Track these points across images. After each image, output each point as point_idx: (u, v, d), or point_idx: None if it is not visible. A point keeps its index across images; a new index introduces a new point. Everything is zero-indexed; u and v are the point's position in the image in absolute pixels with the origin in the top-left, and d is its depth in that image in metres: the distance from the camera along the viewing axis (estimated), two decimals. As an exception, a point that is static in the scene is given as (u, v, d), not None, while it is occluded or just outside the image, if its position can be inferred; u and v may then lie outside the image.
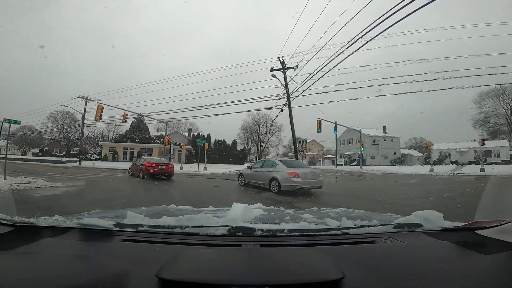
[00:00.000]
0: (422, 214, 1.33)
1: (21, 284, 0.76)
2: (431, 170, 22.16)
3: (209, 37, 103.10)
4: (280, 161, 9.76)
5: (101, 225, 1.21)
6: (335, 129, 31.78)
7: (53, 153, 47.26)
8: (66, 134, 48.89)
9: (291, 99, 20.20)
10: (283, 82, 19.67)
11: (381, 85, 19.50)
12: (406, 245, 1.09)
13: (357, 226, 1.29)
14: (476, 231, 1.14)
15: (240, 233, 1.14)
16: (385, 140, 48.66)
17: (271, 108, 20.44)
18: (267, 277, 0.78)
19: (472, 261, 0.96)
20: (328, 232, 1.22)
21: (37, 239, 1.08)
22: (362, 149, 33.18)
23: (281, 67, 20.13)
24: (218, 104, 20.05)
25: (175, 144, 27.50)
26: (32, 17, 76.93)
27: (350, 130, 43.68)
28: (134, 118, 49.04)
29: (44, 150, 48.39)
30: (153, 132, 47.10)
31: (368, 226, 1.29)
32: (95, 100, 25.40)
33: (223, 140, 48.88)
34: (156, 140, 40.37)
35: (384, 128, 50.79)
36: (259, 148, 56.22)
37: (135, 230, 1.19)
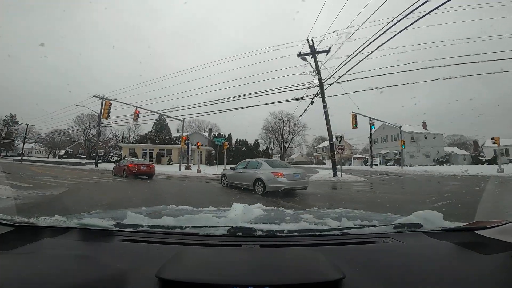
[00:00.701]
0: (422, 214, 1.33)
1: (21, 284, 0.76)
2: (500, 170, 17.72)
3: (228, 31, 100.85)
4: (265, 161, 9.53)
5: (101, 225, 1.21)
6: (372, 124, 27.78)
7: (77, 155, 47.84)
8: (87, 135, 49.50)
9: (324, 87, 16.87)
10: (314, 68, 16.47)
11: (427, 68, 15.54)
12: (406, 245, 1.09)
13: (357, 226, 1.28)
14: (476, 231, 1.14)
15: (240, 233, 1.14)
16: (426, 137, 43.23)
17: (300, 98, 17.31)
18: (267, 277, 0.78)
19: (472, 262, 0.96)
20: (328, 232, 1.21)
21: (37, 239, 1.08)
22: (403, 147, 28.99)
23: (310, 51, 16.95)
24: (241, 95, 17.29)
25: (193, 144, 25.21)
26: (66, 21, 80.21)
27: (385, 127, 39.17)
28: (156, 119, 48.37)
29: (69, 152, 49.17)
30: (175, 133, 45.98)
31: (368, 226, 1.29)
32: (111, 100, 23.91)
33: (245, 140, 46.23)
34: (176, 141, 38.89)
35: (424, 124, 45.06)
36: (282, 148, 53.18)
37: (135, 230, 1.19)
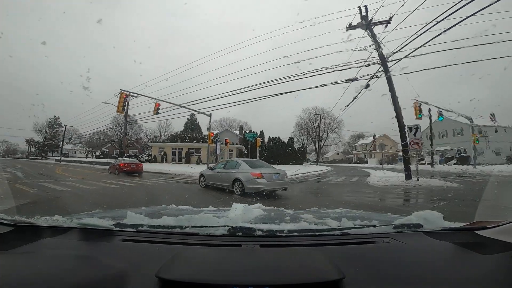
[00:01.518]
0: (422, 214, 1.33)
1: (21, 284, 0.76)
2: None
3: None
4: (244, 161, 9.19)
5: (101, 225, 1.21)
6: (440, 115, 22.27)
7: (112, 154, 48.49)
8: (118, 135, 50.16)
9: (388, 64, 12.89)
10: (372, 38, 12.60)
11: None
12: (406, 246, 1.09)
13: (357, 226, 1.28)
14: (476, 232, 1.14)
15: (240, 233, 1.14)
16: (496, 131, 35.56)
17: (354, 79, 13.42)
18: (267, 277, 0.78)
19: (472, 262, 0.96)
20: (328, 233, 1.21)
21: (37, 239, 1.08)
22: (477, 142, 23.42)
23: (363, 22, 13.06)
24: (283, 78, 13.67)
25: (222, 143, 22.43)
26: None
27: (444, 120, 32.87)
28: (188, 118, 47.09)
29: (105, 152, 50.18)
30: (205, 131, 44.41)
31: (368, 226, 1.29)
32: (137, 96, 22.13)
33: (278, 137, 42.67)
34: (206, 139, 36.85)
35: (493, 115, 37.28)
36: (317, 146, 49.01)
37: (135, 230, 1.19)
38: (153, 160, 35.99)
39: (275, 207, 2.07)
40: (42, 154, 54.85)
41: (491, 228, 1.09)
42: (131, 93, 17.80)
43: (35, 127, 55.91)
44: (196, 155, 36.09)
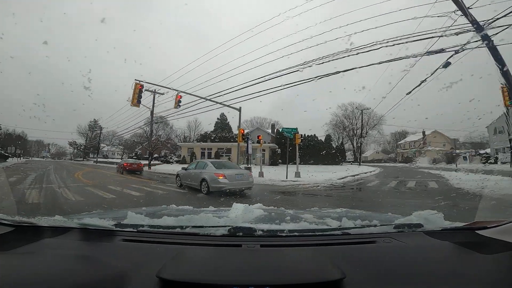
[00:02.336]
0: (423, 214, 1.34)
1: (21, 284, 0.76)
2: None
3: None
4: (211, 162, 9.75)
5: (102, 225, 1.22)
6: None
7: (145, 156, 48.78)
8: (147, 136, 50.53)
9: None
10: None
11: None
12: (406, 245, 1.09)
13: (357, 226, 1.29)
14: (476, 231, 1.14)
15: (241, 233, 1.14)
16: None
17: (439, 51, 9.52)
18: (268, 277, 0.78)
19: (473, 261, 0.96)
20: (328, 232, 1.21)
21: (37, 239, 1.09)
22: None
23: None
24: (324, 58, 10.45)
25: (253, 142, 19.55)
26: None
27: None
28: (218, 118, 45.61)
29: (138, 153, 50.76)
30: (236, 130, 42.44)
31: (369, 226, 1.30)
32: (164, 93, 20.40)
33: (314, 135, 38.67)
34: (236, 139, 34.60)
35: None
36: (355, 144, 44.39)
37: (135, 230, 1.20)
38: (182, 161, 34.63)
39: (276, 207, 2.08)
40: (84, 156, 57.39)
41: (492, 228, 1.09)
42: (148, 85, 15.79)
43: (78, 129, 58.71)
44: (226, 155, 33.80)
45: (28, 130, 48.71)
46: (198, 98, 16.52)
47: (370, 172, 21.87)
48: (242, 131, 17.91)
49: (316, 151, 35.53)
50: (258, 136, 19.66)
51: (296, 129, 17.87)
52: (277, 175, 15.60)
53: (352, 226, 1.28)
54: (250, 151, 18.08)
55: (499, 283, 0.83)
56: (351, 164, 39.55)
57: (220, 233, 1.14)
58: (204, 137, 38.62)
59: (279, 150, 32.40)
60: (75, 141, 60.76)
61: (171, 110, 17.68)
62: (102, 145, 57.53)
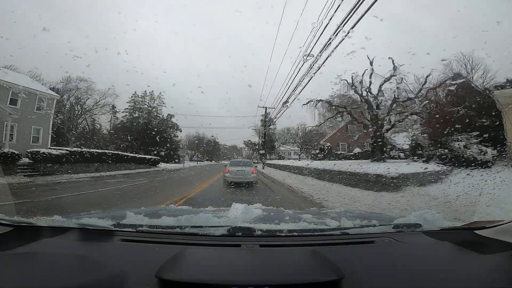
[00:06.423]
0: (422, 214, 1.35)
1: (20, 284, 0.76)
2: None
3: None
4: (231, 160, 14.21)
5: (101, 225, 1.22)
6: None
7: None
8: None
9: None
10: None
11: None
12: (405, 245, 1.09)
13: (356, 226, 1.29)
14: (475, 231, 1.14)
15: (240, 233, 1.14)
16: None
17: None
18: (267, 277, 0.78)
19: (472, 261, 0.96)
20: (327, 232, 1.22)
21: (36, 239, 1.09)
22: None
23: None
24: None
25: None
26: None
27: None
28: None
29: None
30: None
31: (368, 226, 1.30)
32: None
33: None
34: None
35: None
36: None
37: (134, 230, 1.20)
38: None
39: (275, 207, 2.09)
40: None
41: (491, 227, 1.10)
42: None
43: (255, 128, 44.72)
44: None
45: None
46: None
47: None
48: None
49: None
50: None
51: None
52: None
53: (351, 226, 1.28)
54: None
55: (498, 283, 0.83)
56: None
57: (220, 233, 1.15)
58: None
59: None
60: (249, 140, 49.10)
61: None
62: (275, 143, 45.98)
